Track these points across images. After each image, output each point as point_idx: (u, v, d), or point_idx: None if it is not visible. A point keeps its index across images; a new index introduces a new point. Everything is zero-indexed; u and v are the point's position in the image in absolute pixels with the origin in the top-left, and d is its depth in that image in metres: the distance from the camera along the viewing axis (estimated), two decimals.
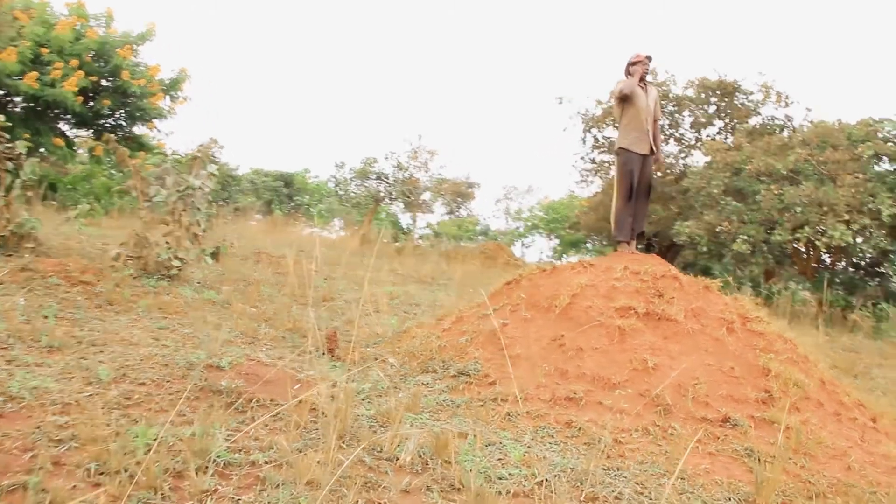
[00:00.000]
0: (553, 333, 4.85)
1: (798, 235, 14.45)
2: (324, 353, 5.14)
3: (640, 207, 6.66)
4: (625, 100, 6.68)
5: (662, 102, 21.19)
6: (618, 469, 3.52)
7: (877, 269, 16.73)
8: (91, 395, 3.56)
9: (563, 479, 3.25)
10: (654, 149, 6.74)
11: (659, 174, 20.43)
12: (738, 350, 4.79)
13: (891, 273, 16.97)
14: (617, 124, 6.98)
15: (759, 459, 3.82)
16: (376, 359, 5.18)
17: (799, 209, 14.36)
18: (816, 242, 14.43)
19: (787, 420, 4.15)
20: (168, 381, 3.97)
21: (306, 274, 10.44)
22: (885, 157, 15.17)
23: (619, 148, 6.75)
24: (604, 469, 3.47)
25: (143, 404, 3.58)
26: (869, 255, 16.67)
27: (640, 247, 6.75)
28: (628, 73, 6.78)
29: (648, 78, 7.05)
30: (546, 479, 3.22)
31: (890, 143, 15.06)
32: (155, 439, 2.95)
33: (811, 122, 19.26)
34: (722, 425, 4.14)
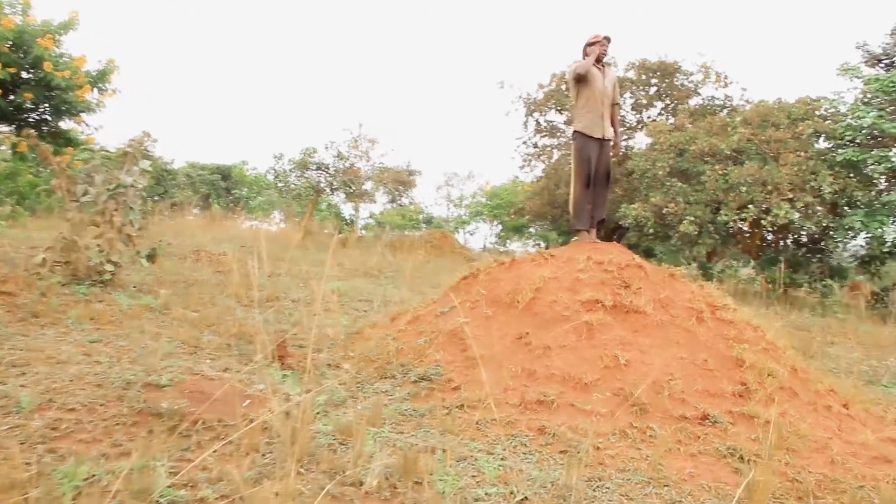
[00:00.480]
0: (517, 331, 4.59)
1: (743, 215, 14.51)
2: (273, 362, 4.79)
3: (599, 194, 6.47)
4: (580, 81, 6.44)
5: None
6: (599, 479, 3.27)
7: (819, 245, 16.92)
8: (10, 427, 3.14)
9: (544, 496, 2.99)
10: (613, 133, 6.57)
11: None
12: (709, 341, 4.60)
13: (831, 248, 17.18)
14: (572, 107, 6.75)
15: (742, 458, 3.62)
16: (330, 365, 4.85)
17: (744, 189, 14.42)
18: (762, 221, 14.51)
19: (766, 414, 3.97)
20: (102, 405, 3.55)
21: (249, 272, 10.03)
22: (823, 135, 15.33)
23: (575, 132, 6.51)
24: (585, 480, 3.21)
25: (73, 434, 3.17)
26: (811, 233, 16.86)
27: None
28: (585, 55, 6.55)
29: (607, 60, 6.81)
30: (526, 498, 2.95)
31: (829, 122, 15.21)
32: (86, 479, 2.59)
33: (747, 101, 19.44)
34: (701, 423, 3.93)
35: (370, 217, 29.83)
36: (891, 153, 14.92)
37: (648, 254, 20.47)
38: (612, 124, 6.60)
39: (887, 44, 17.65)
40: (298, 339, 5.73)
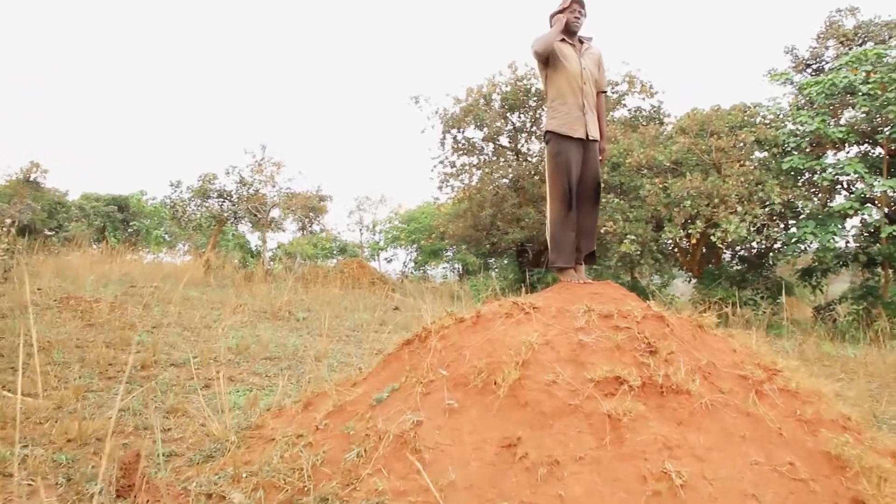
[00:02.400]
0: (502, 434, 2.95)
1: (690, 231, 13.32)
2: (116, 498, 3.01)
3: (586, 216, 4.91)
4: (546, 63, 4.93)
5: (523, 98, 19.89)
6: None
7: (762, 260, 15.99)
8: None
9: None
10: (598, 132, 5.02)
11: (532, 173, 19.10)
12: (785, 430, 3.06)
13: (772, 263, 16.30)
14: (544, 100, 5.23)
15: None
16: (210, 496, 3.10)
17: (688, 202, 13.22)
18: (711, 237, 13.36)
19: None
20: None
21: (127, 324, 8.12)
22: (765, 143, 14.38)
23: (547, 132, 4.94)
24: None
25: None
26: (755, 248, 15.95)
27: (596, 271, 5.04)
28: (552, 26, 5.02)
29: (585, 33, 5.22)
30: None
31: (770, 129, 14.27)
32: None
33: (660, 111, 18.58)
34: None
35: (278, 247, 27.79)
36: (836, 159, 14.12)
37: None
38: (598, 120, 5.06)
39: (815, 48, 17.03)
40: (169, 438, 3.96)
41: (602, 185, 5.06)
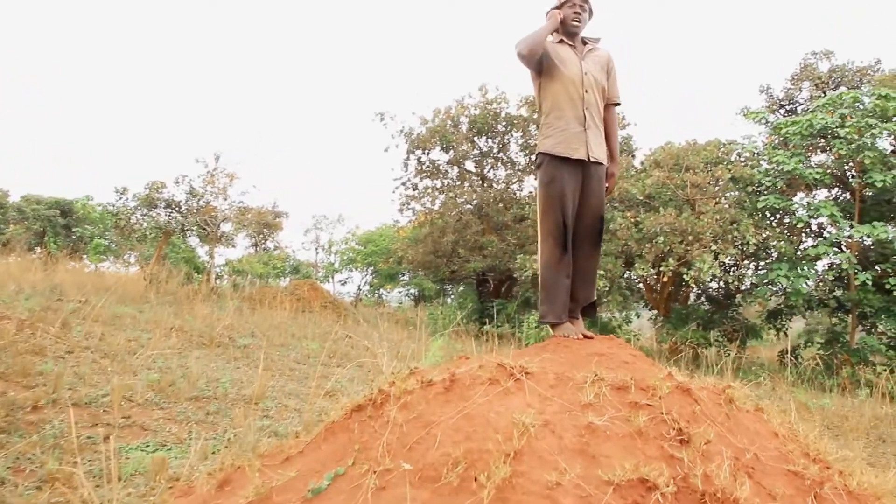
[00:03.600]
0: None
1: (662, 269, 12.68)
2: None
3: (586, 260, 4.06)
4: (540, 70, 4.08)
5: (492, 122, 19.22)
6: None
7: (731, 301, 15.49)
8: None
9: None
10: (608, 154, 4.19)
11: (499, 202, 18.39)
12: None
13: (739, 304, 15.83)
14: (538, 115, 4.28)
15: None
16: None
17: (661, 239, 12.59)
18: (684, 276, 12.76)
19: None
20: None
21: (37, 346, 7.10)
22: (740, 181, 13.90)
23: (539, 154, 4.08)
24: None
25: None
26: (723, 288, 15.47)
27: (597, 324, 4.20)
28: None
29: (590, 33, 4.35)
30: None
31: (746, 166, 13.81)
32: None
33: (630, 143, 18.11)
34: None
35: (226, 264, 26.63)
36: (806, 201, 13.70)
37: (531, 304, 18.58)
38: (607, 138, 4.21)
39: (789, 89, 16.74)
40: None
41: (603, 224, 4.17)
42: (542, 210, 4.00)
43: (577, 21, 4.15)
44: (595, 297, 4.16)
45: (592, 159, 4.02)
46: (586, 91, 4.07)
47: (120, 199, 20.88)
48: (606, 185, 4.20)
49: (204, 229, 21.43)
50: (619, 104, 4.38)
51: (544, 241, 3.97)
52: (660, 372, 2.89)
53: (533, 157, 19.12)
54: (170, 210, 21.22)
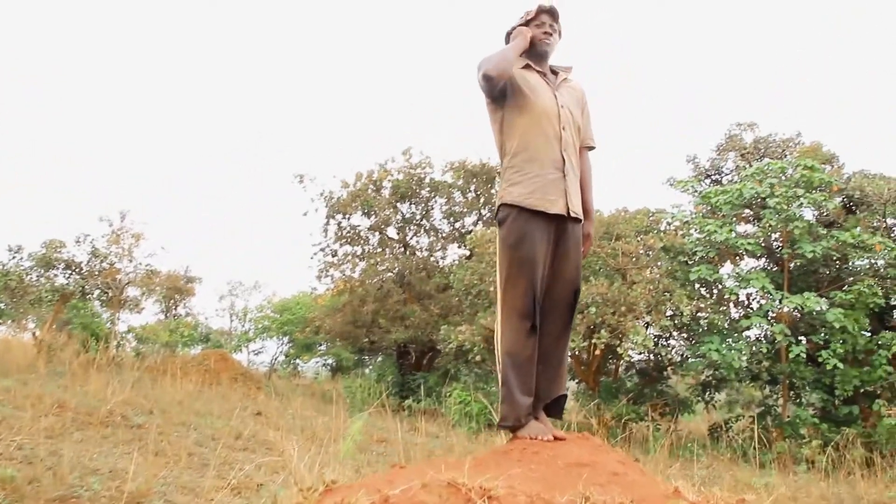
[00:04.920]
0: None
1: (595, 341, 12.15)
2: None
3: (556, 342, 3.29)
4: (504, 99, 3.35)
5: (416, 188, 18.67)
6: None
7: (661, 374, 15.10)
8: None
9: None
10: (583, 208, 3.45)
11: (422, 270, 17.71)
12: None
13: (669, 377, 15.46)
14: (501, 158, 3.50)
15: None
16: None
17: (593, 310, 12.09)
18: (617, 349, 12.25)
19: None
20: None
21: None
22: (671, 251, 13.64)
23: (502, 206, 3.31)
24: None
25: None
26: (653, 361, 15.08)
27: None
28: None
29: (559, 59, 3.65)
30: None
31: (679, 235, 13.59)
32: None
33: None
34: None
35: (129, 331, 25.02)
36: (735, 272, 13.53)
37: (454, 377, 17.87)
38: (582, 190, 3.48)
39: (715, 159, 16.82)
40: None
41: (578, 296, 3.38)
42: (505, 279, 3.20)
43: (547, 41, 3.47)
44: (565, 391, 3.35)
45: (573, 214, 3.29)
46: (563, 128, 3.35)
47: (13, 258, 19.33)
48: (583, 247, 3.46)
49: (106, 293, 20.04)
50: (593, 148, 3.67)
51: (508, 318, 3.17)
52: (663, 486, 2.17)
53: (490, 211, 18.37)
54: (69, 271, 19.79)
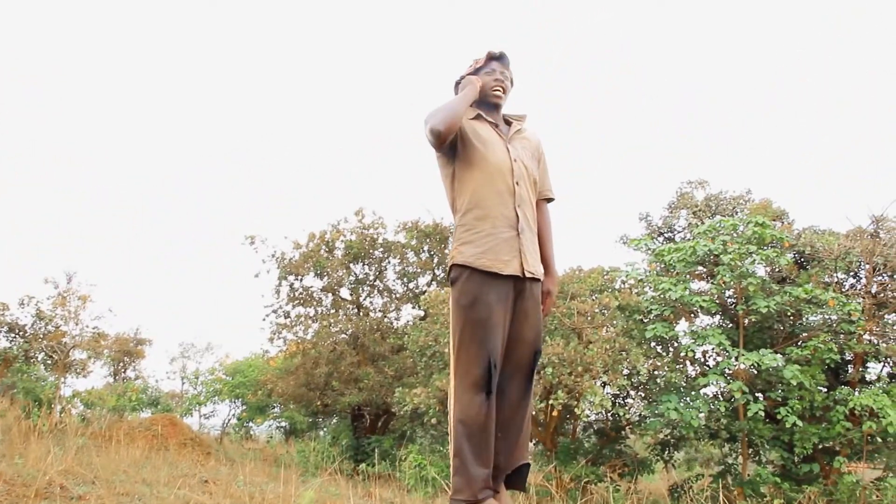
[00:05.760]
0: None
1: (552, 401, 11.93)
2: None
3: (515, 409, 3.09)
4: (454, 152, 3.19)
5: (369, 248, 18.46)
6: None
7: (619, 433, 14.89)
8: None
9: None
10: (543, 264, 3.34)
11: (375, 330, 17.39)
12: None
13: (626, 436, 15.26)
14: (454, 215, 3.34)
15: None
16: None
17: (549, 370, 11.89)
18: (575, 410, 12.04)
19: None
20: None
21: None
22: (626, 309, 13.57)
23: (454, 267, 3.15)
24: None
25: None
26: (611, 420, 14.88)
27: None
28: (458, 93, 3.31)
29: (511, 107, 3.49)
30: None
31: (634, 293, 13.55)
32: None
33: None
34: None
35: (74, 396, 24.12)
36: (690, 329, 13.49)
37: (410, 440, 17.49)
38: (541, 244, 3.33)
39: (667, 217, 16.95)
40: None
41: (536, 362, 3.19)
42: (458, 341, 3.00)
43: (498, 90, 3.31)
44: (527, 460, 3.12)
45: (528, 274, 3.12)
46: (517, 183, 3.19)
47: None
48: (543, 308, 3.28)
49: (51, 356, 19.37)
50: (552, 200, 3.51)
51: (461, 384, 2.96)
52: None
53: (441, 272, 18.21)
54: (12, 334, 19.14)
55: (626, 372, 12.83)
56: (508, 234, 3.08)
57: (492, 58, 3.34)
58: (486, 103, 3.33)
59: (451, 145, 3.16)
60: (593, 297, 13.36)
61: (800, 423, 11.88)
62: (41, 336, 19.18)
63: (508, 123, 3.43)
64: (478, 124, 3.25)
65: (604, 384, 12.33)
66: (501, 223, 3.09)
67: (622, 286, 14.18)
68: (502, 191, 3.13)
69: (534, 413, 12.87)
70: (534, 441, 15.37)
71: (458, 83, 3.38)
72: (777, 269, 14.11)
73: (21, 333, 19.06)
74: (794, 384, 11.77)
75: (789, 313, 13.34)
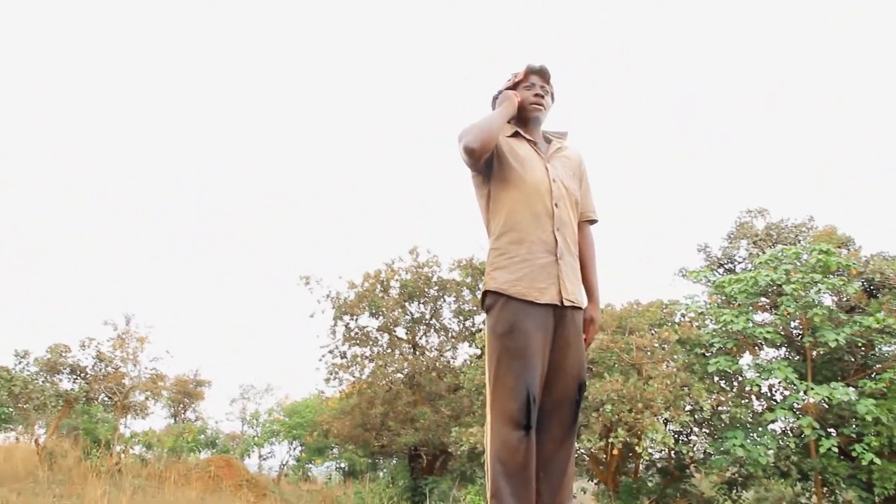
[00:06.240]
0: None
1: (612, 440, 11.57)
2: None
3: (557, 446, 2.86)
4: (490, 172, 3.01)
5: (423, 287, 18.37)
6: None
7: (684, 472, 14.38)
8: None
9: None
10: (585, 295, 3.11)
11: (430, 370, 17.24)
12: None
13: (695, 473, 14.73)
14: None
15: None
16: None
17: (609, 408, 11.54)
18: (636, 448, 11.65)
19: None
20: None
21: None
22: (687, 343, 13.18)
23: (486, 293, 2.96)
24: None
25: None
26: (675, 458, 14.39)
27: None
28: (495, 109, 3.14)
29: (551, 124, 3.29)
30: None
31: (695, 327, 13.17)
32: None
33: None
34: None
35: (132, 437, 24.40)
36: (755, 362, 13.01)
37: (468, 480, 17.17)
38: (584, 269, 3.11)
39: (726, 247, 16.52)
40: None
41: (581, 397, 2.96)
42: (495, 373, 2.79)
43: (538, 105, 3.12)
44: (572, 501, 2.89)
45: (568, 302, 2.90)
46: (556, 204, 2.98)
47: (20, 363, 19.06)
48: (585, 336, 3.05)
49: (110, 398, 19.62)
50: (595, 221, 3.29)
51: (498, 419, 2.75)
52: None
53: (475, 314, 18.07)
54: (74, 376, 19.47)
55: (688, 408, 12.43)
56: (545, 260, 2.90)
57: (531, 71, 3.16)
58: (525, 120, 3.16)
59: (487, 164, 2.99)
60: (652, 332, 13.02)
61: (878, 460, 11.26)
62: (101, 377, 19.44)
63: (548, 141, 3.23)
64: (515, 142, 3.07)
65: (666, 421, 11.94)
66: (538, 248, 2.91)
67: (682, 319, 13.81)
68: (540, 213, 2.94)
69: (594, 452, 12.53)
70: (595, 481, 14.97)
71: (495, 98, 3.23)
72: (845, 299, 13.55)
73: (82, 375, 19.35)
74: (870, 419, 11.19)
75: (860, 344, 12.74)
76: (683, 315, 13.92)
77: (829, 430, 12.50)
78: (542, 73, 3.17)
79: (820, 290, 12.30)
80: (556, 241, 2.93)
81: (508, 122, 3.11)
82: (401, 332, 19.03)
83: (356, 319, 18.55)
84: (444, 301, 18.97)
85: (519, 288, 2.83)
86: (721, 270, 16.40)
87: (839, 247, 14.37)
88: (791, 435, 12.99)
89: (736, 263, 16.36)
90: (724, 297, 13.64)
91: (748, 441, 11.98)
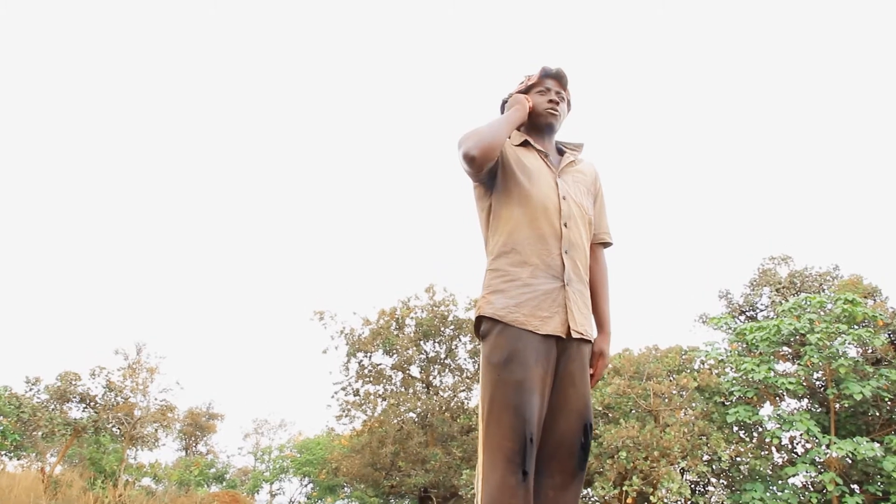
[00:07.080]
0: None
1: (626, 488, 11.19)
2: None
3: (558, 495, 2.50)
4: (493, 182, 2.73)
5: (439, 326, 18.13)
6: None
7: None
8: None
9: None
10: (596, 320, 2.80)
11: (449, 412, 16.93)
12: None
13: None
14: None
15: None
16: None
17: (623, 454, 11.20)
18: (651, 497, 11.26)
19: None
20: None
21: None
22: (706, 390, 12.82)
23: (479, 318, 2.66)
24: None
25: None
26: None
27: None
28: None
29: (565, 135, 2.99)
30: None
31: (714, 374, 12.82)
32: None
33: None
34: None
35: (138, 469, 24.16)
36: (776, 413, 12.60)
37: None
38: (595, 297, 2.81)
39: (748, 294, 16.17)
40: None
41: (589, 440, 2.59)
42: (488, 409, 2.48)
43: (553, 112, 2.80)
44: None
45: (576, 334, 2.60)
46: (565, 224, 2.67)
47: (30, 389, 18.98)
48: (592, 371, 2.73)
49: (119, 428, 19.44)
50: (609, 244, 2.97)
51: (491, 461, 2.42)
52: None
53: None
54: (84, 405, 19.34)
55: (706, 458, 12.05)
56: (550, 286, 2.58)
57: (546, 74, 2.86)
58: (537, 127, 2.84)
59: (490, 174, 2.69)
60: (671, 378, 12.71)
61: None
62: (111, 407, 19.30)
63: (561, 153, 2.92)
64: (523, 152, 2.77)
65: (682, 470, 11.55)
66: (542, 272, 2.60)
67: (701, 366, 13.47)
68: (546, 233, 2.63)
69: (607, 500, 12.14)
70: None
71: (504, 102, 2.94)
72: (871, 350, 13.16)
73: (92, 404, 19.23)
74: None
75: (886, 398, 12.33)
76: (703, 362, 13.58)
77: (852, 486, 12.04)
78: (559, 78, 2.87)
79: (845, 340, 11.94)
80: (563, 264, 2.63)
81: (518, 130, 2.84)
82: (415, 370, 18.76)
83: (370, 356, 18.31)
84: (460, 341, 18.70)
85: (517, 315, 2.53)
86: (742, 317, 16.07)
87: (865, 297, 14.02)
88: (812, 490, 12.52)
89: (758, 311, 16.02)
90: (745, 345, 13.31)
91: (768, 494, 11.59)
